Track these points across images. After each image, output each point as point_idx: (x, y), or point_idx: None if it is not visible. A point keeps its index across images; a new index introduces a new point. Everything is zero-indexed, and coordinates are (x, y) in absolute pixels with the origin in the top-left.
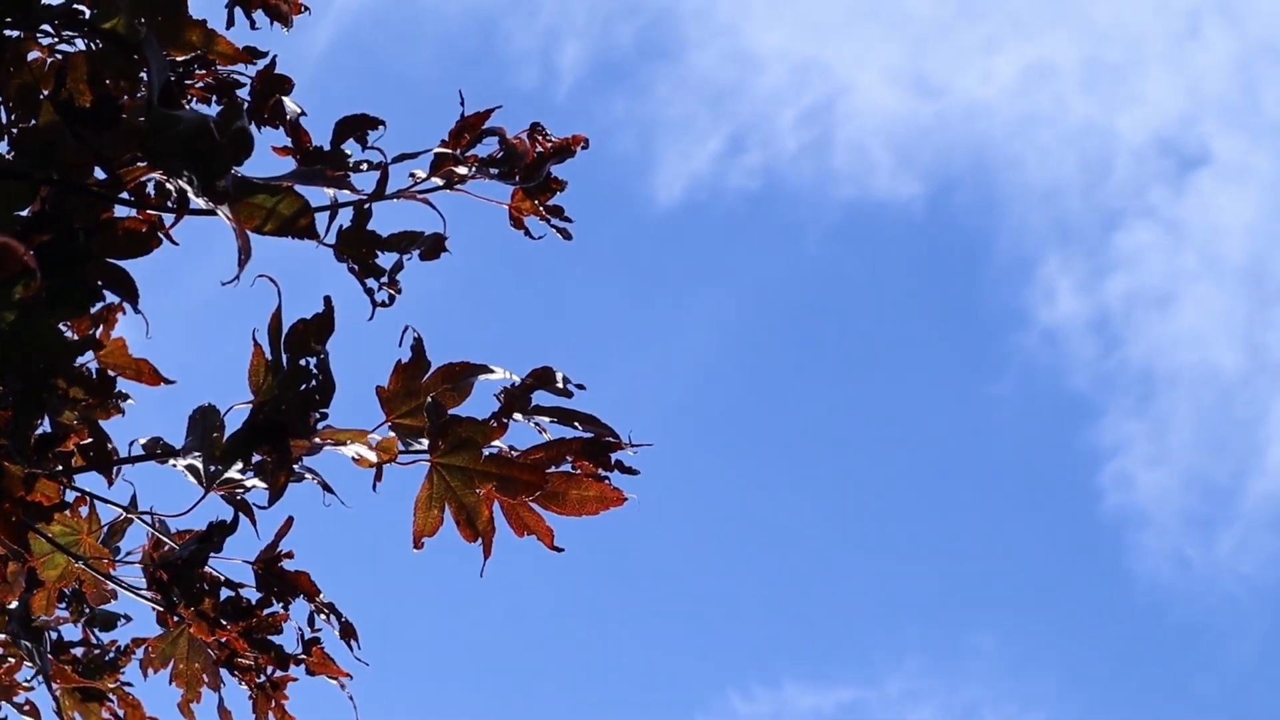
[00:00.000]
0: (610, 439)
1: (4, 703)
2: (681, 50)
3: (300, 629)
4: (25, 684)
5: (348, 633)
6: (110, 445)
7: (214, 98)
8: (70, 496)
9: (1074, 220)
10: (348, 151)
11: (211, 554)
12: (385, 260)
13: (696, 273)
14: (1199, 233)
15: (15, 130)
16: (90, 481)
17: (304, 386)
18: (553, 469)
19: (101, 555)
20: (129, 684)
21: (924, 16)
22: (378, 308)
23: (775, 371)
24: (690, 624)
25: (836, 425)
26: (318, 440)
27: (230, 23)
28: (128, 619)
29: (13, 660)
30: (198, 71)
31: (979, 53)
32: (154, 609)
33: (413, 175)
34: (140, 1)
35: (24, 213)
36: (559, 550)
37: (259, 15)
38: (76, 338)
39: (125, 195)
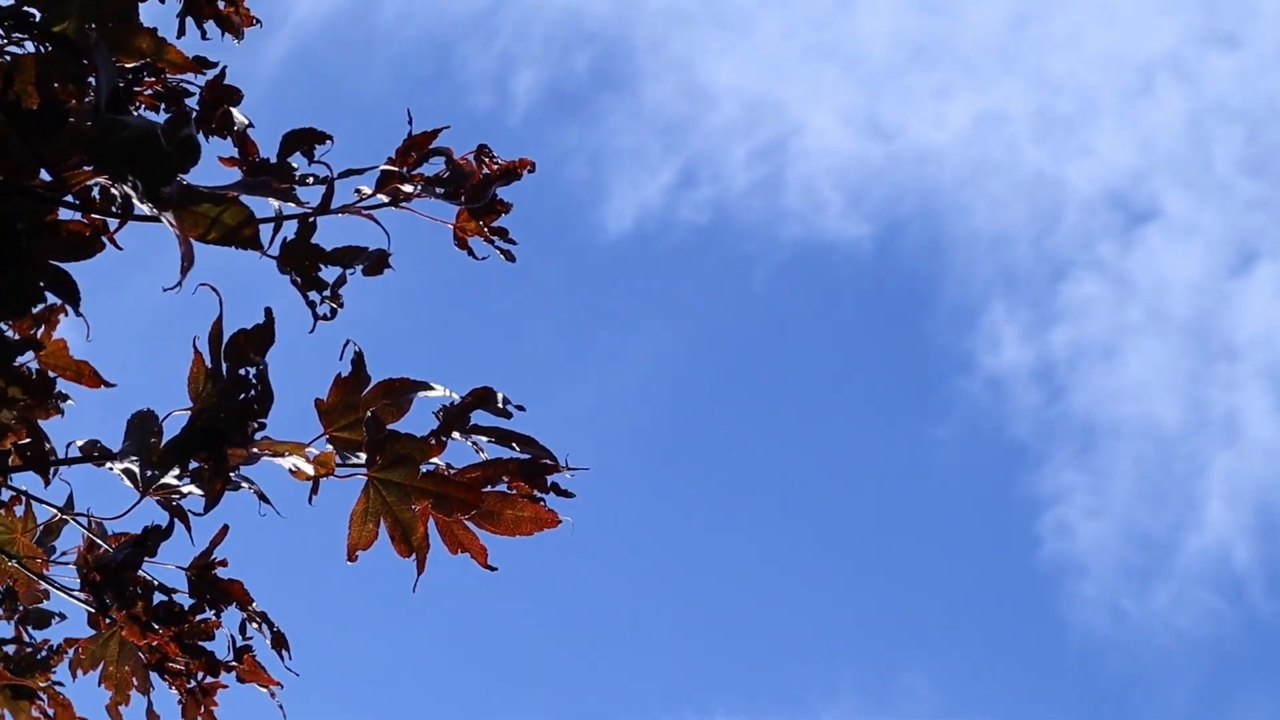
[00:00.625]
0: (547, 461)
1: None
2: (636, 82)
3: (232, 636)
4: None
5: (279, 642)
6: (48, 446)
7: (162, 106)
8: (6, 495)
9: (1021, 268)
10: (294, 165)
11: (146, 558)
12: (328, 274)
13: (643, 303)
14: (1145, 287)
15: None
16: (27, 481)
17: (243, 396)
18: (489, 488)
19: (36, 555)
20: (60, 683)
21: (879, 60)
22: (319, 321)
23: (718, 405)
24: (624, 650)
25: (777, 462)
26: (255, 450)
27: (181, 32)
28: (62, 617)
29: None
30: (147, 79)
31: (932, 98)
32: (86, 610)
33: (359, 191)
34: (91, 6)
35: None
36: (492, 569)
37: (210, 26)
38: (17, 338)
39: (70, 199)
